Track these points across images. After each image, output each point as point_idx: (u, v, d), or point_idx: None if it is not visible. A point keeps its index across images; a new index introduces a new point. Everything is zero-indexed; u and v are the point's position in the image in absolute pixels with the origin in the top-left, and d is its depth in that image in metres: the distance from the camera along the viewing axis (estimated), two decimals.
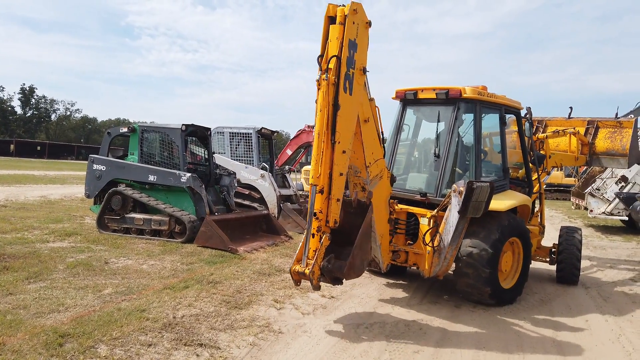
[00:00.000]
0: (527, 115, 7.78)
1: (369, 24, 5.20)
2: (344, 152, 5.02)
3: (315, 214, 4.91)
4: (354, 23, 4.98)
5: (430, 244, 6.11)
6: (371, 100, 5.61)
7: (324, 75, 4.85)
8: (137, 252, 8.55)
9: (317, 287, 5.04)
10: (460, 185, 5.62)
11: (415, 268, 6.62)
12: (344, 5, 5.00)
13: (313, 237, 4.96)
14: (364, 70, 5.20)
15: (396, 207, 6.59)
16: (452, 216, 5.79)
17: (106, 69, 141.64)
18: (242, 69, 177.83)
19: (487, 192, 5.64)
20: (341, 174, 5.03)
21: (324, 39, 5.06)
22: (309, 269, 4.88)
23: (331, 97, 4.89)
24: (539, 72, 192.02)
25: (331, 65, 4.86)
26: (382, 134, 5.84)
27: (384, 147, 5.96)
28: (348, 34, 4.92)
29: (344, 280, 5.31)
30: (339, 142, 4.95)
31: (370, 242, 5.53)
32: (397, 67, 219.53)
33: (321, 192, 4.91)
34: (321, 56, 4.99)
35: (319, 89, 4.91)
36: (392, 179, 6.10)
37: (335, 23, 4.99)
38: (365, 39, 5.19)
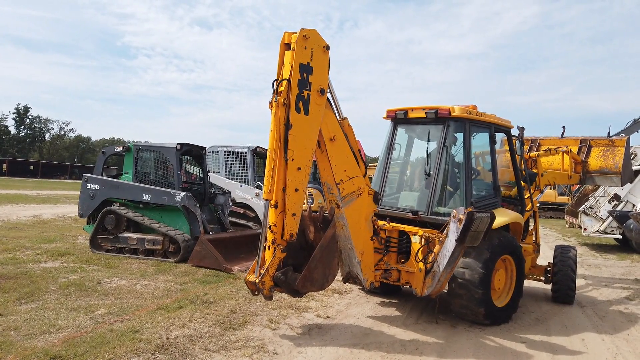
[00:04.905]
0: (519, 134, 7.86)
1: (327, 47, 5.40)
2: (299, 168, 5.18)
3: (270, 227, 5.12)
4: (305, 48, 5.20)
5: (422, 262, 6.11)
6: (343, 119, 5.81)
7: (275, 97, 5.11)
8: (131, 272, 8.47)
9: (268, 297, 5.26)
10: (460, 213, 5.54)
11: (408, 287, 6.61)
12: (297, 33, 5.21)
13: (268, 249, 5.17)
14: (322, 92, 5.38)
15: (388, 226, 6.62)
16: (449, 242, 5.72)
17: (101, 88, 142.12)
18: (238, 88, 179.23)
19: (487, 222, 5.61)
20: (297, 190, 5.18)
21: (279, 65, 5.33)
22: (259, 279, 5.10)
23: (282, 117, 5.11)
24: (532, 92, 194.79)
25: (281, 88, 5.12)
26: (360, 152, 5.99)
27: (365, 164, 6.07)
28: (299, 58, 5.15)
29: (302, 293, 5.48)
30: (293, 160, 5.13)
31: (334, 257, 5.63)
32: (393, 87, 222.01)
33: (275, 206, 5.09)
34: (276, 80, 5.24)
35: (271, 110, 5.15)
36: (376, 197, 6.16)
37: (290, 49, 5.23)
38: (323, 62, 5.40)
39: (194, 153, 11.24)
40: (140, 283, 7.77)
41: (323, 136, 5.53)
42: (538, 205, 9.72)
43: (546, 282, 8.32)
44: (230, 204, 11.77)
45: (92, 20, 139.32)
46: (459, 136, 6.76)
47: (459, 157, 6.81)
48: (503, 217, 6.73)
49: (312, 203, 15.04)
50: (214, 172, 13.71)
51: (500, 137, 7.54)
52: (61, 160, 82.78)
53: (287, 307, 6.73)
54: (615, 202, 15.39)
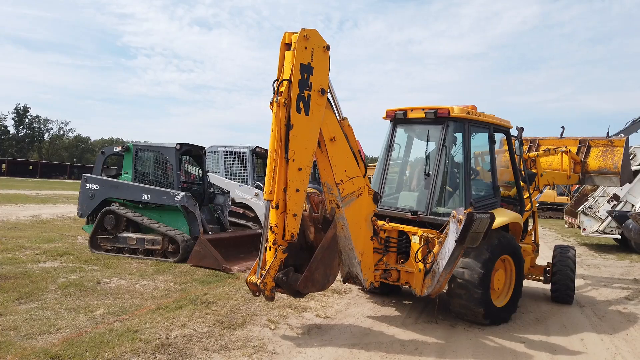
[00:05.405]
0: (518, 135, 7.87)
1: (327, 47, 5.39)
2: (300, 169, 5.17)
3: (271, 228, 5.11)
4: (306, 48, 5.19)
5: (421, 262, 6.12)
6: (343, 119, 5.81)
7: (275, 97, 5.10)
8: (130, 272, 8.47)
9: (270, 298, 5.23)
10: (460, 213, 5.52)
11: (407, 287, 6.61)
12: (297, 33, 5.20)
13: (269, 250, 5.15)
14: (322, 92, 5.37)
15: (387, 226, 6.62)
16: (448, 242, 5.71)
17: (101, 88, 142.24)
18: (238, 88, 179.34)
19: (487, 223, 5.60)
20: (298, 190, 5.17)
21: (280, 65, 5.32)
22: (260, 280, 5.08)
23: (283, 117, 5.10)
24: (532, 92, 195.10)
25: (282, 88, 5.10)
26: (360, 152, 5.99)
27: (365, 165, 6.07)
28: (300, 58, 5.14)
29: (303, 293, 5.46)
30: (294, 160, 5.12)
31: (335, 257, 5.63)
32: (393, 88, 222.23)
33: (276, 207, 5.08)
34: (277, 80, 5.23)
35: (272, 110, 5.14)
36: (375, 197, 6.16)
37: (290, 49, 5.21)
38: (324, 62, 5.39)
39: (194, 153, 11.24)
40: (139, 283, 7.76)
41: (323, 136, 5.53)
42: (537, 205, 9.72)
43: (545, 282, 8.32)
44: (230, 204, 11.77)
45: (92, 20, 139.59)
46: (459, 136, 6.77)
47: (458, 157, 6.81)
48: (502, 217, 6.74)
49: None
50: (213, 172, 13.71)
51: (499, 137, 7.55)
52: (60, 160, 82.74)
53: (287, 307, 6.74)
54: (615, 202, 15.40)
